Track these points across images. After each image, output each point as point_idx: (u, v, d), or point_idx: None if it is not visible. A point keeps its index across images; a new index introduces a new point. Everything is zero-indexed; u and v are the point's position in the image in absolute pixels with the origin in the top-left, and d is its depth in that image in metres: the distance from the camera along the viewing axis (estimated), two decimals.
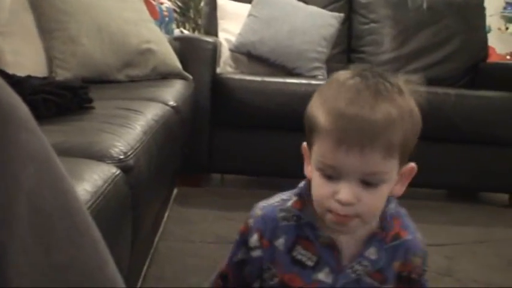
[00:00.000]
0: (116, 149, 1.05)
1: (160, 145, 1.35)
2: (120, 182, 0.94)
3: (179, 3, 5.01)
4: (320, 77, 2.97)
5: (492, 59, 3.94)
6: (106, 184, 0.87)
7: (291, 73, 2.97)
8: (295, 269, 0.91)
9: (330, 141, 0.80)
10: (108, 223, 0.80)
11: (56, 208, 0.52)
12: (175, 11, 4.83)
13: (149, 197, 1.20)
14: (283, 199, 0.94)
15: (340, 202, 0.81)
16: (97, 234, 0.57)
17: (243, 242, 0.96)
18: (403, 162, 0.84)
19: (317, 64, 3.02)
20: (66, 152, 0.96)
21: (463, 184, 2.94)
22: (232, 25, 3.12)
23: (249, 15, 3.06)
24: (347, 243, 0.91)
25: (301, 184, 0.94)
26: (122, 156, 1.04)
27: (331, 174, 0.82)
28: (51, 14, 2.07)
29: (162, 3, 4.19)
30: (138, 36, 2.29)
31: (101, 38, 2.15)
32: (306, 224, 0.91)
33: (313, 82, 2.70)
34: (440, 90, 2.82)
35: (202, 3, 4.02)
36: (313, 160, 0.85)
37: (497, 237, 2.43)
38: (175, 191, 2.57)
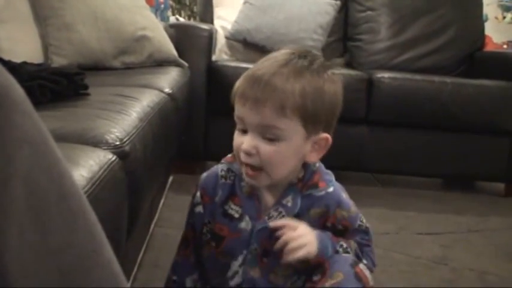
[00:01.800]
0: (112, 135, 1.05)
1: (156, 132, 1.35)
2: (116, 168, 0.94)
3: None
4: None
5: (489, 48, 3.94)
6: (102, 170, 0.87)
7: None
8: (225, 220, 1.04)
9: (237, 97, 0.97)
10: (104, 209, 0.80)
11: (52, 192, 0.52)
12: None
13: (145, 183, 1.20)
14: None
15: (243, 151, 0.96)
16: (93, 217, 0.57)
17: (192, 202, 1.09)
18: (312, 130, 0.97)
19: (313, 52, 3.00)
20: (62, 138, 0.96)
21: (458, 173, 2.94)
22: (227, 12, 3.11)
23: (245, 2, 3.05)
24: (268, 194, 1.03)
25: None
26: (117, 143, 1.03)
27: (243, 128, 0.97)
28: (46, 0, 2.05)
29: None
30: (134, 23, 2.28)
31: (97, 25, 2.14)
32: (237, 179, 1.03)
33: None
34: (436, 78, 2.82)
35: None
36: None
37: (493, 227, 2.43)
38: (170, 178, 2.56)
